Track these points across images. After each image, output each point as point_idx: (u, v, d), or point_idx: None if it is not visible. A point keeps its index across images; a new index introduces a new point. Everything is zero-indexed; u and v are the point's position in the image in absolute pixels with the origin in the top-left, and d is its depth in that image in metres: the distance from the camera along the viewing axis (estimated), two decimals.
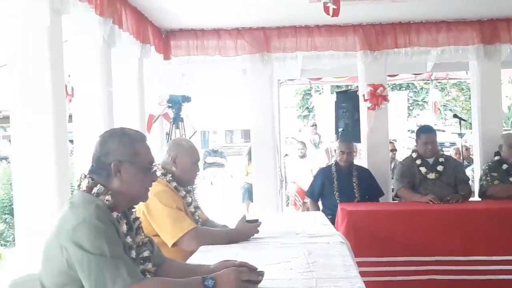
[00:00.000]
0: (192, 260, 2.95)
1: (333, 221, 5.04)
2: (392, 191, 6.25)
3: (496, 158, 5.89)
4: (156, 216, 3.39)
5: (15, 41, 3.57)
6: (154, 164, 2.48)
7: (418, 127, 6.46)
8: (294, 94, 26.46)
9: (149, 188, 2.49)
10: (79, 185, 2.33)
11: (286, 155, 10.68)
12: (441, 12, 6.25)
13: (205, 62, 6.61)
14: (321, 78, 10.07)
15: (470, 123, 8.49)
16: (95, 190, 2.30)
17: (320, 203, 6.28)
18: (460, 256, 4.88)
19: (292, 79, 9.58)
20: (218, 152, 14.23)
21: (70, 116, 4.22)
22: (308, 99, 25.67)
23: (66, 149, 3.75)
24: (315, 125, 12.94)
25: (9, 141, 8.26)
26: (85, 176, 2.35)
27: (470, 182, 6.56)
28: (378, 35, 6.52)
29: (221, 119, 27.49)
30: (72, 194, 2.40)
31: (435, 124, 16.69)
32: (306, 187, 7.09)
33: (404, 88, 18.95)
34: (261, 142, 6.77)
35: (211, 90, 20.17)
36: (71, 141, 4.36)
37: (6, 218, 8.59)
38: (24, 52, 3.56)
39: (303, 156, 10.45)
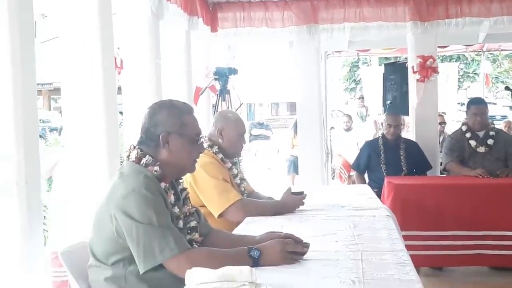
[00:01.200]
0: (238, 231, 2.97)
1: (379, 195, 5.01)
2: (441, 164, 6.16)
3: None
4: (203, 187, 3.43)
5: (66, 14, 3.62)
6: (201, 135, 2.50)
7: (468, 99, 6.33)
8: (341, 66, 26.13)
9: (196, 159, 2.51)
10: (128, 156, 2.38)
11: (332, 127, 10.62)
12: None
13: (252, 34, 6.59)
14: (369, 50, 9.91)
15: None
16: (143, 161, 2.34)
17: (366, 176, 6.25)
18: (509, 231, 4.81)
19: (340, 51, 9.47)
20: (264, 125, 14.27)
21: (119, 88, 4.27)
22: (356, 71, 25.33)
23: (115, 121, 3.81)
24: (362, 97, 12.79)
25: (60, 112, 8.44)
26: (134, 147, 2.39)
27: None
28: (429, 5, 6.37)
29: (267, 91, 27.42)
30: (121, 164, 2.45)
31: (486, 97, 16.29)
32: (352, 160, 7.05)
33: (454, 60, 18.48)
34: (307, 114, 6.74)
35: (257, 63, 20.14)
36: (121, 113, 4.43)
37: None
38: (75, 25, 3.60)
39: (348, 129, 10.38)
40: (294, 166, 9.94)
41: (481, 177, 5.13)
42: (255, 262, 2.23)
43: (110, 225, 2.23)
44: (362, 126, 11.44)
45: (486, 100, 6.66)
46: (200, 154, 2.54)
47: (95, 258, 2.31)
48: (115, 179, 2.33)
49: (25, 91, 2.69)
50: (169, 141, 2.38)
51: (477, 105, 5.64)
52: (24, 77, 2.68)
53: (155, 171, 2.33)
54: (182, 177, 2.58)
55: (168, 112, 2.41)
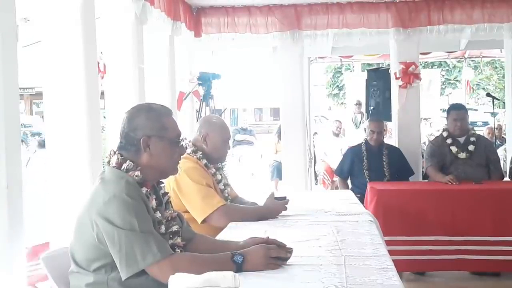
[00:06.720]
0: (221, 236, 2.97)
1: (362, 200, 5.03)
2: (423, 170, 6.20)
3: None
4: (186, 192, 3.42)
5: (48, 18, 3.60)
6: (181, 137, 2.49)
7: (449, 106, 6.38)
8: (325, 72, 26.26)
9: (178, 161, 2.50)
10: (108, 162, 2.35)
11: (316, 133, 10.63)
12: None
13: (236, 39, 6.60)
14: (352, 56, 9.97)
15: (503, 102, 8.37)
16: (124, 166, 2.32)
17: (349, 181, 6.27)
18: (490, 236, 4.85)
19: (323, 57, 9.51)
20: (247, 130, 14.27)
21: (102, 93, 4.25)
22: (339, 77, 25.46)
23: (98, 125, 3.79)
24: (360, 103, 12.63)
25: (42, 117, 8.36)
26: (114, 153, 2.37)
27: (502, 162, 6.47)
28: (411, 12, 6.42)
29: (250, 96, 27.46)
30: (102, 170, 2.43)
31: (467, 103, 16.44)
32: (335, 166, 7.08)
33: (436, 66, 18.65)
34: (290, 120, 6.76)
35: (241, 68, 20.16)
36: (104, 117, 4.40)
37: None
38: (57, 29, 3.59)
39: (337, 134, 10.39)
40: (277, 172, 9.95)
41: (450, 183, 5.15)
42: (239, 268, 2.22)
43: (91, 231, 2.21)
44: (355, 133, 11.36)
45: (468, 107, 6.72)
46: (184, 159, 2.54)
47: (76, 264, 2.29)
48: (96, 185, 2.31)
49: (7, 95, 2.67)
50: (150, 144, 2.36)
51: (457, 110, 5.68)
52: (6, 81, 2.65)
53: (136, 176, 2.31)
54: (163, 181, 2.57)
55: (147, 116, 2.39)
